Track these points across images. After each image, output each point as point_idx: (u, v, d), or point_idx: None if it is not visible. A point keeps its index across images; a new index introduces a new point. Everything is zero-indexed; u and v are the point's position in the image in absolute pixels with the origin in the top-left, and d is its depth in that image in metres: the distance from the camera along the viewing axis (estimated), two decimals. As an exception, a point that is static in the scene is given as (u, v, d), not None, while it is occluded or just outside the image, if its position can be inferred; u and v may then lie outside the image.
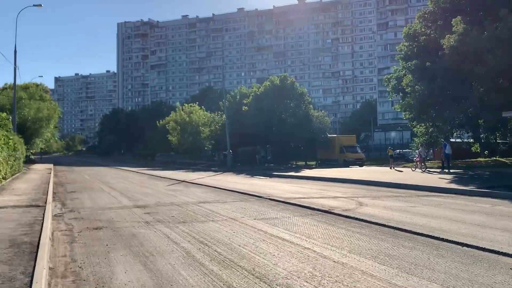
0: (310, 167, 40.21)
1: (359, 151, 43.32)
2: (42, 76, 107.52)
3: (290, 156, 47.49)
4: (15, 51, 34.31)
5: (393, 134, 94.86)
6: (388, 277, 5.45)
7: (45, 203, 12.70)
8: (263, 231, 8.53)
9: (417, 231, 8.36)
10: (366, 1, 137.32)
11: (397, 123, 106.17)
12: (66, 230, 9.01)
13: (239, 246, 7.26)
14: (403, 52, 33.25)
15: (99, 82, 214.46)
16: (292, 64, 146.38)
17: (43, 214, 10.23)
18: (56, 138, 62.54)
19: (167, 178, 27.04)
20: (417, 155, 31.56)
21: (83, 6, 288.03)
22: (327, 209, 11.27)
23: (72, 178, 27.21)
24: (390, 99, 50.64)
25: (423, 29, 32.16)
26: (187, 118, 53.97)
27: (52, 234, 8.39)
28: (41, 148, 62.85)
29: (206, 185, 20.70)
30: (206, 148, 57.34)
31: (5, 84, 64.36)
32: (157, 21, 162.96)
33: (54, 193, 16.63)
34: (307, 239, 7.81)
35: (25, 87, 57.45)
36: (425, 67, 28.62)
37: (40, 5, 33.25)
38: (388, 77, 36.66)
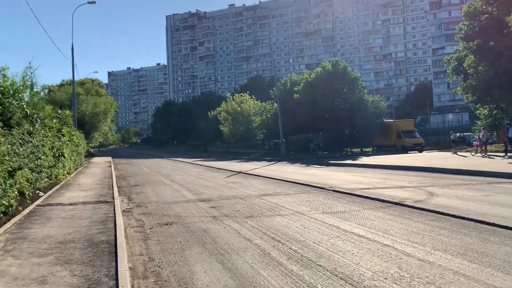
0: (366, 154, 39.38)
1: (418, 135, 41.81)
2: (97, 72, 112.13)
3: (344, 144, 46.66)
4: (72, 48, 35.47)
5: (450, 116, 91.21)
6: (483, 278, 5.09)
7: (113, 198, 13.00)
8: (335, 227, 8.28)
9: (501, 223, 7.84)
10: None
11: (454, 105, 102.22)
12: (137, 226, 9.12)
13: (314, 243, 7.05)
14: (463, 32, 31.64)
15: (150, 75, 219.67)
16: (341, 48, 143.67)
17: (114, 211, 10.43)
18: (113, 132, 64.76)
19: (223, 169, 27.19)
20: (477, 139, 30.14)
21: (132, 1, 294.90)
22: (397, 201, 10.85)
23: (132, 171, 27.92)
24: (450, 81, 48.48)
25: (484, 7, 30.46)
26: (238, 108, 54.10)
27: (125, 231, 8.50)
28: (99, 142, 65.10)
29: (264, 176, 20.61)
30: (258, 138, 57.35)
31: (62, 80, 67.06)
32: (204, 12, 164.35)
33: (118, 187, 17.03)
34: (384, 234, 7.49)
35: (81, 83, 59.53)
36: (488, 46, 27.11)
37: (94, 2, 34.18)
38: (448, 58, 35.06)
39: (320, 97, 45.22)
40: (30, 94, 13.65)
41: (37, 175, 12.72)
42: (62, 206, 11.39)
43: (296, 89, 48.37)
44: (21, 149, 11.06)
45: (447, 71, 37.26)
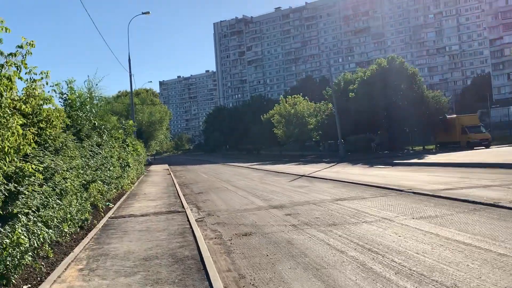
0: (430, 152, 37.62)
1: (484, 130, 39.41)
2: (151, 82, 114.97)
3: (404, 142, 44.91)
4: (129, 59, 36.16)
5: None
6: None
7: (182, 207, 12.72)
8: (434, 234, 7.48)
9: None
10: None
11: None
12: (215, 238, 8.69)
13: (418, 254, 6.33)
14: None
15: (200, 82, 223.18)
16: (392, 45, 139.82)
17: (188, 221, 10.10)
18: (168, 139, 65.79)
19: (283, 172, 26.61)
20: None
21: (179, 11, 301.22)
22: (491, 202, 9.87)
23: (192, 178, 27.85)
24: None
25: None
26: (292, 110, 53.33)
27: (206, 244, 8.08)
28: (155, 150, 66.29)
29: (329, 178, 19.85)
30: (314, 139, 56.36)
31: (119, 92, 68.79)
32: (251, 17, 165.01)
33: (184, 195, 16.81)
34: (493, 242, 6.66)
35: (137, 93, 60.77)
36: None
37: (148, 12, 34.69)
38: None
39: (377, 95, 43.73)
40: (96, 105, 13.62)
41: (107, 186, 12.64)
42: (135, 218, 11.19)
43: (351, 87, 47.12)
44: (92, 161, 10.94)
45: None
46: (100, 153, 12.32)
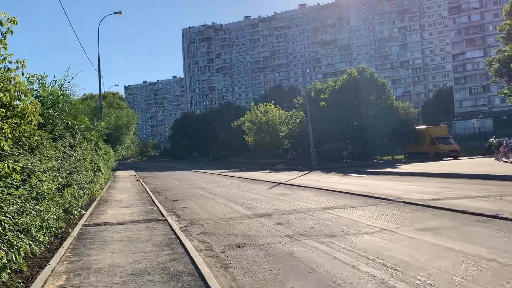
0: (400, 162, 37.84)
1: (453, 142, 39.98)
2: (118, 85, 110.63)
3: (373, 151, 45.16)
4: (99, 60, 34.79)
5: (474, 122, 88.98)
6: None
7: (162, 215, 11.89)
8: (449, 248, 6.95)
9: None
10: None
11: (476, 110, 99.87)
12: (205, 249, 7.92)
13: (441, 271, 5.77)
14: (504, 32, 30.15)
15: (167, 88, 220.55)
16: (358, 57, 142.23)
17: (173, 231, 9.29)
18: (135, 144, 63.92)
19: (259, 180, 25.95)
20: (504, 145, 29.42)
21: (148, 16, 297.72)
22: (493, 214, 9.50)
23: (164, 185, 26.76)
24: (493, 84, 46.28)
25: (526, 4, 29.02)
26: (264, 118, 52.75)
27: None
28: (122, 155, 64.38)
29: (309, 186, 19.32)
30: (285, 147, 55.94)
31: (84, 94, 66.58)
32: (220, 24, 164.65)
33: (159, 202, 15.90)
34: (517, 257, 6.19)
35: (103, 97, 58.97)
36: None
37: (120, 12, 33.57)
38: (490, 60, 33.50)
39: (347, 105, 43.89)
40: (70, 104, 12.62)
41: (81, 191, 11.66)
42: (111, 226, 10.27)
43: (322, 96, 47.12)
44: (66, 164, 9.99)
45: (489, 73, 35.59)
46: (73, 155, 11.35)
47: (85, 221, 11.00)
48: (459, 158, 38.03)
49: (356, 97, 43.96)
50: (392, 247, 7.25)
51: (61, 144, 10.35)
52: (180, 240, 8.18)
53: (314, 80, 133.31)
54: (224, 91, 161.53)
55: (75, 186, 10.04)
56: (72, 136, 12.11)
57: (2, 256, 4.09)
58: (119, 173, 48.25)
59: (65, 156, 10.40)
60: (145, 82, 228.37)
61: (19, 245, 4.61)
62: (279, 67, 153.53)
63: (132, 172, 47.93)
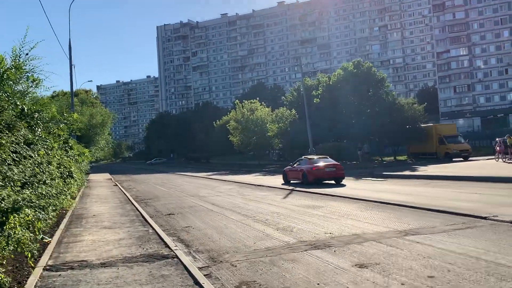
0: (405, 164, 34.59)
1: (463, 141, 36.74)
2: (91, 81, 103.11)
3: (374, 152, 41.91)
4: (70, 47, 30.41)
5: (461, 121, 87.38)
6: None
7: (165, 245, 8.02)
8: None
9: None
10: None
11: (461, 109, 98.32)
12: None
13: None
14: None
15: (141, 87, 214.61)
16: (338, 56, 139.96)
17: (198, 285, 5.46)
18: (111, 145, 58.89)
19: (261, 185, 22.21)
20: (497, 144, 27.78)
21: (119, 13, 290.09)
22: None
23: (148, 191, 22.70)
24: None
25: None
26: (251, 116, 48.71)
27: None
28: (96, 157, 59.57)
29: (335, 195, 15.66)
30: (276, 147, 52.08)
31: (54, 92, 61.59)
32: (197, 22, 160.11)
33: (150, 217, 12.00)
34: None
35: (75, 94, 54.31)
36: None
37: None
38: None
39: (343, 101, 40.65)
40: (27, 82, 8.62)
41: (41, 212, 7.66)
42: (91, 271, 6.35)
43: (315, 93, 43.74)
44: (16, 170, 6.06)
45: None
46: (32, 156, 7.39)
47: (49, 259, 7.05)
48: (469, 158, 34.89)
49: (353, 93, 40.74)
50: None
51: (10, 140, 6.41)
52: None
53: (294, 80, 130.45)
54: (200, 91, 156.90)
55: (28, 210, 6.07)
56: (30, 128, 8.14)
57: None
58: (92, 176, 43.68)
59: (16, 159, 6.46)
60: (118, 81, 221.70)
61: None
62: (257, 66, 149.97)
63: (107, 175, 43.67)
